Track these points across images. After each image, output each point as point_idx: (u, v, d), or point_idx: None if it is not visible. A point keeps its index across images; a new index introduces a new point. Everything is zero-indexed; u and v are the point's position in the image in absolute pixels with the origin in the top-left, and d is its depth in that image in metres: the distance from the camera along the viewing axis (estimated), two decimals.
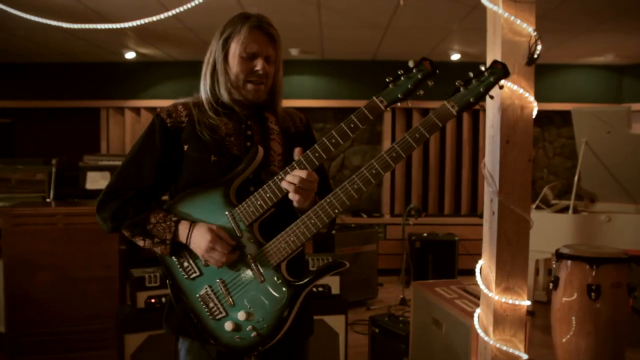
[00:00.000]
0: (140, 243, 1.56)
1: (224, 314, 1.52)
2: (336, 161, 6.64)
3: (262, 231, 1.53)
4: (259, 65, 1.59)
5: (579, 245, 3.17)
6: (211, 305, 1.53)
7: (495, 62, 1.50)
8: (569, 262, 2.93)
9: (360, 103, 6.17)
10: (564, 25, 4.56)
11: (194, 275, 1.55)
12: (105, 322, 3.45)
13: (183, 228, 1.52)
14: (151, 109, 6.41)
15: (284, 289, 1.49)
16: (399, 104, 1.52)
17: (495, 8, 2.04)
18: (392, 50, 5.79)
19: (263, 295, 1.50)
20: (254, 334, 1.50)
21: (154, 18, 3.28)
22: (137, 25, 3.32)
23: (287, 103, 6.25)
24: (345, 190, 1.46)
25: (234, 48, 1.60)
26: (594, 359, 2.81)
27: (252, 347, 1.51)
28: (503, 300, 2.08)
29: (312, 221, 1.47)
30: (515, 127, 2.08)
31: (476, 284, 2.82)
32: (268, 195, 1.49)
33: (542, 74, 6.27)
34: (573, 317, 2.85)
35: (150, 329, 2.97)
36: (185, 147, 1.60)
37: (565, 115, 6.36)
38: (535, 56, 2.05)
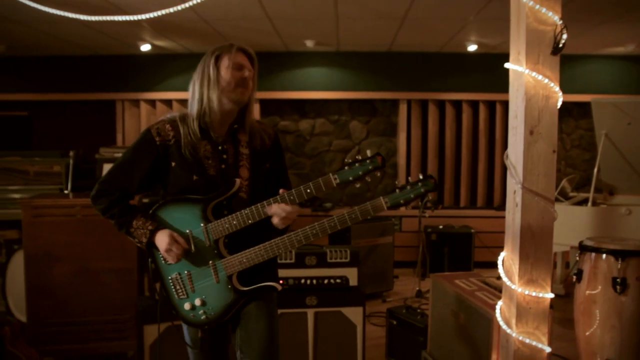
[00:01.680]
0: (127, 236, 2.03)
1: (185, 296, 2.02)
2: (351, 153, 6.61)
3: (228, 243, 1.98)
4: (246, 72, 1.99)
5: (603, 238, 3.12)
6: (177, 287, 2.02)
7: (429, 176, 1.88)
8: (593, 254, 2.89)
9: (375, 95, 6.14)
10: (585, 15, 4.48)
11: (170, 262, 2.00)
12: (124, 313, 3.47)
13: (156, 234, 1.96)
14: (166, 101, 6.43)
15: (231, 292, 1.98)
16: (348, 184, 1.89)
17: None
18: (408, 41, 5.74)
19: (216, 292, 1.99)
20: (203, 316, 2.02)
21: (171, 10, 3.26)
22: (153, 17, 3.31)
23: (302, 95, 6.22)
24: (290, 239, 1.92)
25: (225, 62, 1.98)
26: (618, 352, 2.77)
27: (200, 324, 2.04)
28: (526, 292, 2.06)
29: (261, 252, 1.94)
30: (539, 118, 2.05)
31: (495, 276, 2.80)
32: (234, 222, 1.93)
33: (560, 65, 6.17)
34: (597, 311, 2.81)
35: (169, 319, 2.98)
36: (173, 164, 1.98)
37: (584, 107, 6.28)
38: (561, 45, 2.02)
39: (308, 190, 1.89)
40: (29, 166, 5.20)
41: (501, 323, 2.16)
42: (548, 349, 2.09)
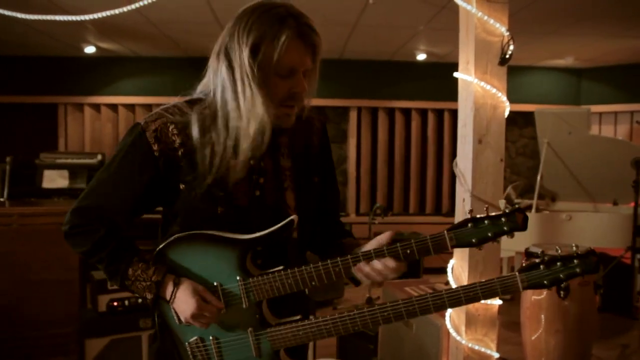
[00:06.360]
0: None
1: None
2: None
3: (272, 304, 1.36)
4: (298, 85, 1.30)
5: (549, 245, 3.22)
6: (198, 357, 1.36)
7: (591, 252, 1.22)
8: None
9: (325, 102, 6.13)
10: (528, 28, 4.65)
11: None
12: (65, 327, 3.31)
13: (166, 289, 1.31)
14: (112, 106, 6.23)
15: None
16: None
17: (468, 7, 2.04)
18: (359, 49, 5.79)
19: None
20: None
21: (116, 11, 3.16)
22: (98, 18, 3.19)
23: None
24: (374, 316, 1.32)
25: (272, 55, 1.26)
26: (562, 355, 2.86)
27: None
28: None
29: (328, 327, 1.33)
30: (487, 127, 2.09)
31: (443, 281, 2.83)
32: (289, 281, 1.30)
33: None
34: (542, 315, 2.89)
35: (113, 333, 2.88)
36: (182, 187, 1.30)
37: (528, 116, 6.49)
38: (508, 56, 2.07)
39: (408, 252, 1.31)
40: None
41: (451, 331, 2.18)
42: (496, 355, 2.13)
